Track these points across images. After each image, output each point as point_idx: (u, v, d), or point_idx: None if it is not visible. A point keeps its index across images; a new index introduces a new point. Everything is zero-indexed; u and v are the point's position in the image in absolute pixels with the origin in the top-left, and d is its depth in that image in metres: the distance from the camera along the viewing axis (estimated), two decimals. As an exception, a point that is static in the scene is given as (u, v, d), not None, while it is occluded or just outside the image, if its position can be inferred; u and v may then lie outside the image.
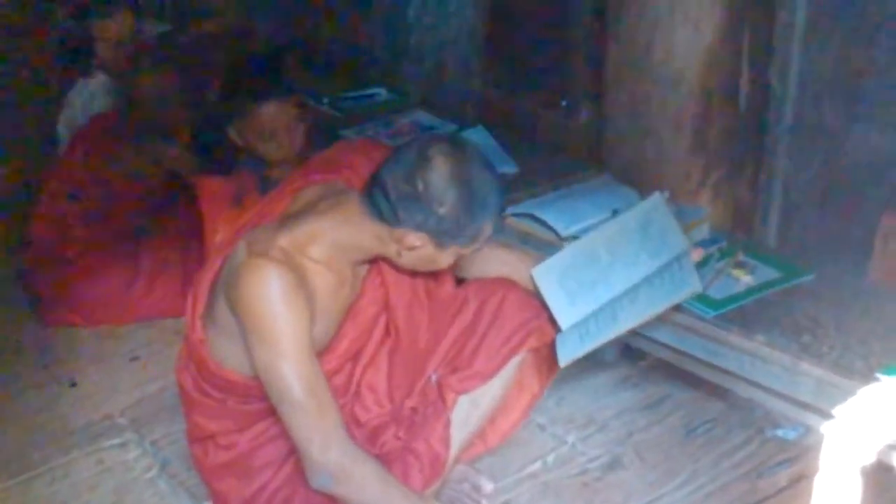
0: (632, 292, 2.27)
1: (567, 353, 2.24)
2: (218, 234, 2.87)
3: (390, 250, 2.02)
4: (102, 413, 2.81)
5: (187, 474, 2.46)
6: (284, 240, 2.00)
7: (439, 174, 1.92)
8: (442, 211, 1.93)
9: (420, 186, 1.92)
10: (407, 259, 2.04)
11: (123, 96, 3.56)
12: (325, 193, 2.09)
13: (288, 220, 2.05)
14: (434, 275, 2.27)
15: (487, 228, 2.02)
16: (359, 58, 4.47)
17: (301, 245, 2.01)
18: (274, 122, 2.94)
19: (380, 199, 1.96)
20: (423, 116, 3.92)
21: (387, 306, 2.22)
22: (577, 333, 2.26)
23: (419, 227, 1.95)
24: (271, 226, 2.05)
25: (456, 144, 2.00)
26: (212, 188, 3.11)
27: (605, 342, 2.25)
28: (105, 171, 3.49)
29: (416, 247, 1.98)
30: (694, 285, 2.22)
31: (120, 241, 3.45)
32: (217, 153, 3.30)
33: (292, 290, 1.95)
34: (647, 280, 2.27)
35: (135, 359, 3.12)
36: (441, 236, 1.97)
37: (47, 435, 2.71)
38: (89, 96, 3.74)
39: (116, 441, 2.66)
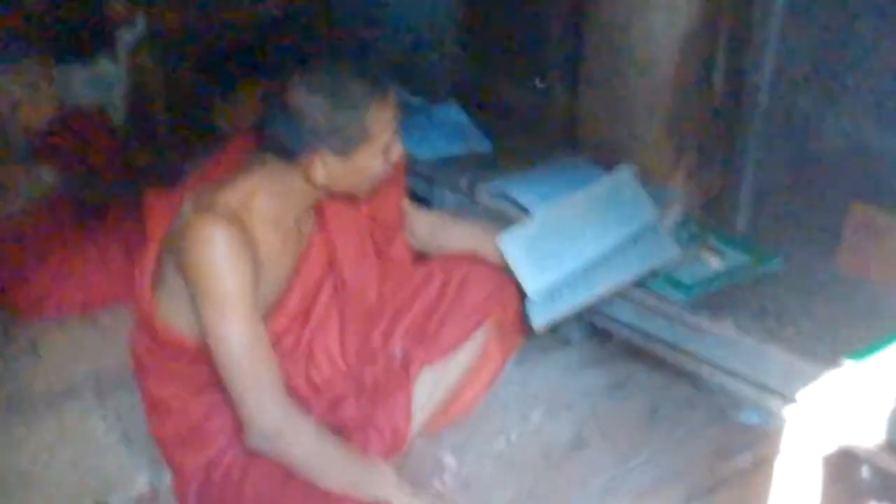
0: (605, 259, 2.28)
1: (541, 317, 2.24)
2: None
3: (315, 183, 2.02)
4: (63, 379, 2.77)
5: (148, 442, 2.42)
6: (228, 196, 2.00)
7: (294, 93, 1.94)
8: (311, 122, 1.94)
9: (286, 113, 1.94)
10: (334, 184, 2.04)
11: None
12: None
13: (231, 177, 2.05)
14: (383, 232, 2.30)
15: (378, 115, 1.99)
16: (332, 29, 4.44)
17: (244, 201, 2.01)
18: None
19: (269, 141, 2.00)
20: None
21: (334, 262, 2.22)
22: (549, 298, 2.26)
23: (309, 149, 1.97)
24: (216, 184, 2.04)
25: (306, 63, 2.00)
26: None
27: (581, 307, 2.25)
28: None
29: (324, 168, 1.99)
30: (671, 251, 2.24)
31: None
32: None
33: (237, 246, 1.94)
34: (620, 247, 2.28)
35: (96, 324, 3.08)
36: (332, 146, 1.97)
37: (7, 400, 2.67)
38: None
39: (77, 408, 2.63)
